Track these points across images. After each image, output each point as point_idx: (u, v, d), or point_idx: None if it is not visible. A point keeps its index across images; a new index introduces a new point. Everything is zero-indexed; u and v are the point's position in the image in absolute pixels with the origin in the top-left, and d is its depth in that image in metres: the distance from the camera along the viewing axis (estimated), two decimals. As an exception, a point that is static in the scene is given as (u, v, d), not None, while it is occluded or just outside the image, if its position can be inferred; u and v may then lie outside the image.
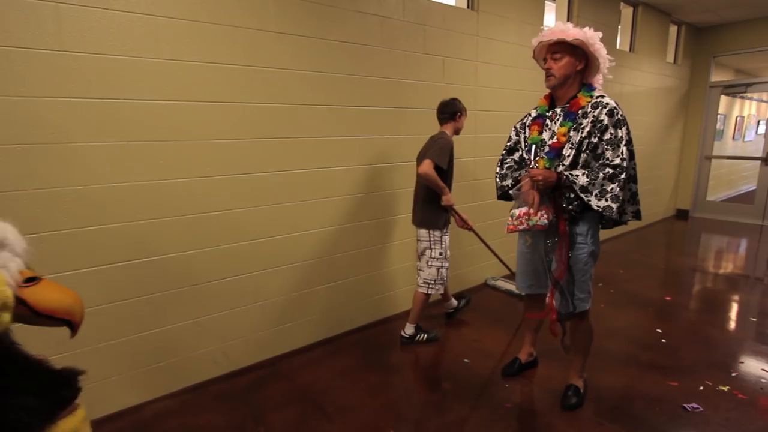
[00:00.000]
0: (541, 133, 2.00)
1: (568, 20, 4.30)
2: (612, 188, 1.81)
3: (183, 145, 2.12)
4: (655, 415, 2.06)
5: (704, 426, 1.98)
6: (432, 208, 2.62)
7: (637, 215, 1.98)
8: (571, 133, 1.88)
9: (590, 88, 1.94)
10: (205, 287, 2.29)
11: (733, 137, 8.41)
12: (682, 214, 6.84)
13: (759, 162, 6.26)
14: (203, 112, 2.16)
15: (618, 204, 1.82)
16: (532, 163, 2.00)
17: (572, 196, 1.87)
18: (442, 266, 2.67)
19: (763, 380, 2.33)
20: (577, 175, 1.84)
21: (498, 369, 2.47)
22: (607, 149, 1.83)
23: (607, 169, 1.81)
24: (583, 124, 1.86)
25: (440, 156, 2.50)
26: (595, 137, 1.84)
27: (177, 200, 2.14)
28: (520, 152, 2.14)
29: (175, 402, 2.21)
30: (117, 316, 2.04)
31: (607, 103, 1.86)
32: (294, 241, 2.59)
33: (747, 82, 6.46)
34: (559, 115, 1.95)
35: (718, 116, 6.77)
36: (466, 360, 2.58)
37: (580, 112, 1.88)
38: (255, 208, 2.41)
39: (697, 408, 2.09)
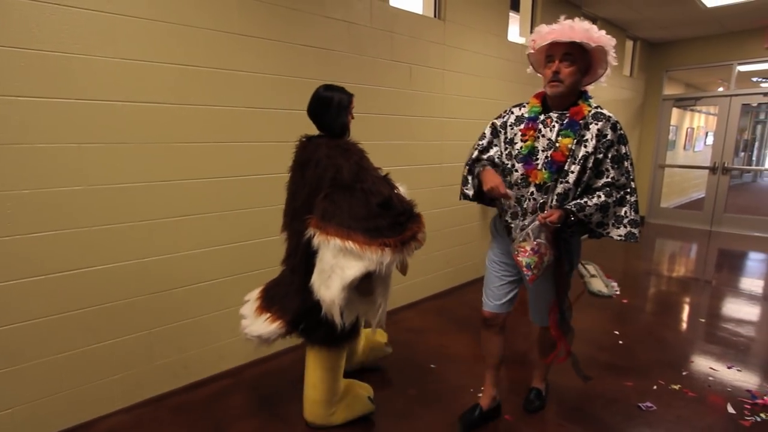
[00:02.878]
0: (534, 139, 1.73)
1: (531, 33, 4.45)
2: (626, 212, 1.69)
3: (140, 147, 2.04)
4: (612, 414, 2.13)
5: (657, 424, 2.06)
6: None
7: (630, 235, 1.72)
8: (573, 146, 1.65)
9: (587, 95, 1.74)
10: (164, 295, 2.21)
11: (684, 147, 8.90)
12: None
13: (707, 171, 6.65)
14: (162, 114, 2.09)
15: (639, 228, 1.70)
16: (519, 172, 1.74)
17: (572, 219, 1.65)
18: None
19: (711, 378, 2.45)
20: (591, 213, 1.65)
21: (464, 373, 2.49)
22: (611, 168, 1.66)
23: (615, 192, 1.67)
24: (586, 137, 1.65)
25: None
26: (600, 153, 1.65)
27: (133, 205, 2.06)
28: (494, 153, 1.85)
29: (130, 417, 2.11)
30: (67, 327, 1.93)
31: (609, 116, 1.67)
32: (259, 248, 2.54)
33: (696, 96, 6.86)
34: (555, 121, 1.70)
35: (671, 127, 7.15)
36: (432, 365, 2.59)
37: (582, 122, 1.66)
38: (217, 214, 2.35)
39: (651, 407, 2.18)
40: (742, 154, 12.19)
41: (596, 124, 1.65)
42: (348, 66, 2.80)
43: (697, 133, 9.52)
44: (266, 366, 2.58)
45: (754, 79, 8.66)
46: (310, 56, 2.59)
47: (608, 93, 5.87)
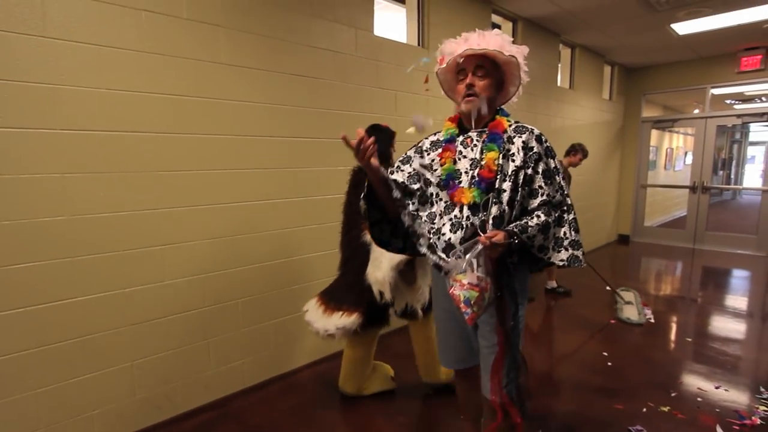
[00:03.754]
0: (455, 161, 1.56)
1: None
2: (566, 233, 1.51)
3: (125, 176, 2.04)
4: (604, 439, 2.12)
5: (648, 447, 2.05)
6: None
7: (574, 259, 1.51)
8: (501, 161, 1.48)
9: (505, 111, 1.60)
10: (147, 326, 2.16)
11: (665, 167, 9.12)
12: (623, 239, 7.26)
13: (688, 190, 6.81)
14: (148, 143, 2.09)
15: (582, 249, 1.51)
16: (444, 199, 1.54)
17: (515, 242, 1.43)
18: None
19: (699, 399, 2.46)
20: (533, 235, 1.44)
21: (454, 399, 2.46)
22: (544, 184, 1.49)
23: (552, 211, 1.49)
24: (512, 151, 1.49)
25: None
26: (529, 168, 1.48)
27: (117, 234, 2.03)
28: (412, 184, 1.62)
29: (109, 454, 2.03)
30: (45, 361, 1.88)
31: (532, 129, 1.53)
32: (245, 275, 2.51)
33: (673, 118, 7.09)
34: (476, 140, 1.53)
35: (651, 148, 7.35)
36: (429, 393, 2.56)
37: (504, 135, 1.51)
38: (202, 242, 2.33)
39: (641, 430, 2.17)
40: (721, 172, 12.54)
41: (520, 136, 1.51)
42: (334, 93, 2.84)
43: (676, 153, 9.79)
44: (253, 397, 2.52)
45: (728, 101, 9.00)
46: (296, 84, 2.63)
47: (588, 116, 6.03)
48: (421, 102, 3.47)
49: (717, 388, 2.57)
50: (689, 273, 5.48)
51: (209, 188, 2.33)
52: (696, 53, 6.05)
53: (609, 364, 2.89)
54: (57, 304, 1.89)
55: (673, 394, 2.50)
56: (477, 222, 1.48)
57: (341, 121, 2.90)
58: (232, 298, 2.47)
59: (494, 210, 1.47)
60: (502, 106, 1.62)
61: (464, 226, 1.50)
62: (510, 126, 1.54)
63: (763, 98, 8.84)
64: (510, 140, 1.51)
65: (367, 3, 3.01)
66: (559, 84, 5.40)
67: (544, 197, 1.49)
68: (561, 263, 1.50)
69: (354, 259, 2.27)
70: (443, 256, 1.51)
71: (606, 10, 4.31)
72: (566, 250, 1.51)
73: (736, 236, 6.53)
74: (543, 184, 1.49)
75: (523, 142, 1.50)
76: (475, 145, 1.54)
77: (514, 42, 1.52)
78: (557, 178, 1.53)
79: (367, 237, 2.12)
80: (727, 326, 3.59)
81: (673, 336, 3.42)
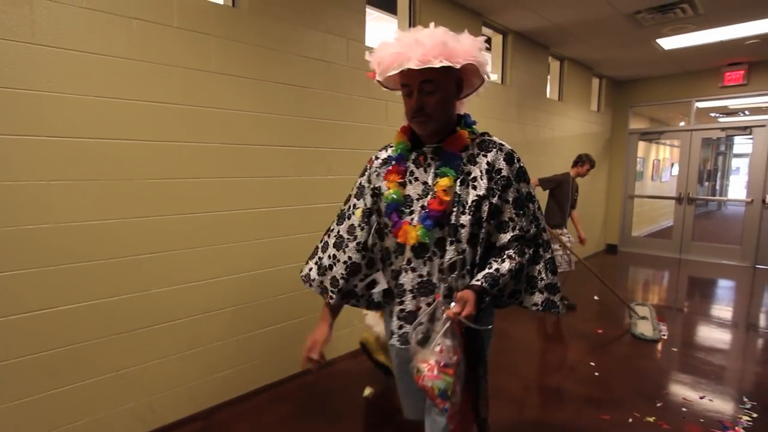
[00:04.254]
0: (403, 185, 1.27)
1: (502, 72, 4.65)
2: (540, 272, 1.27)
3: (112, 184, 2.02)
4: (590, 449, 2.12)
5: (634, 458, 2.06)
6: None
7: (550, 304, 1.29)
8: (458, 189, 1.20)
9: (470, 120, 1.32)
10: (132, 335, 2.13)
11: (652, 178, 9.27)
12: (611, 249, 7.34)
13: (674, 201, 6.92)
14: (136, 151, 2.08)
15: (559, 294, 1.29)
16: (391, 228, 1.28)
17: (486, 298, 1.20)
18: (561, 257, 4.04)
19: (684, 409, 2.48)
20: (505, 284, 1.20)
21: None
22: (516, 215, 1.23)
23: (527, 249, 1.24)
24: (474, 174, 1.21)
25: (545, 180, 4.14)
26: (494, 196, 1.20)
27: (103, 243, 2.01)
28: (361, 223, 1.36)
29: (91, 467, 1.99)
30: (27, 371, 1.84)
31: (501, 144, 1.27)
32: (233, 284, 2.49)
33: (659, 130, 7.22)
34: (430, 158, 1.26)
35: (638, 159, 7.47)
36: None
37: (464, 155, 1.24)
38: (191, 250, 2.31)
39: (628, 440, 2.18)
40: (707, 183, 12.76)
41: (485, 155, 1.22)
42: (325, 103, 2.86)
43: (663, 164, 9.96)
44: (238, 407, 2.49)
45: (713, 114, 9.19)
46: (287, 94, 2.64)
47: (577, 127, 6.12)
48: (412, 112, 3.49)
49: (702, 398, 2.60)
50: (676, 283, 5.55)
51: (198, 197, 2.31)
52: (681, 68, 6.19)
53: (596, 374, 2.91)
54: (40, 313, 1.86)
55: (658, 405, 2.52)
56: (424, 274, 1.21)
57: (332, 130, 2.91)
58: (219, 307, 2.45)
59: (450, 252, 1.19)
60: (465, 111, 1.33)
61: (408, 274, 1.24)
62: (474, 140, 1.26)
63: (746, 112, 9.04)
64: (472, 160, 1.23)
65: (358, 14, 3.04)
66: (548, 95, 5.48)
67: (516, 231, 1.22)
68: (535, 308, 1.27)
69: None
70: (401, 327, 1.23)
71: (593, 24, 4.40)
72: (540, 293, 1.27)
73: (721, 247, 6.63)
74: (514, 216, 1.22)
75: (489, 163, 1.22)
76: (429, 165, 1.25)
77: (486, 43, 1.24)
78: (531, 206, 1.27)
79: None
80: (713, 336, 3.63)
81: (659, 345, 3.45)
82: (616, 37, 4.81)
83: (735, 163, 14.66)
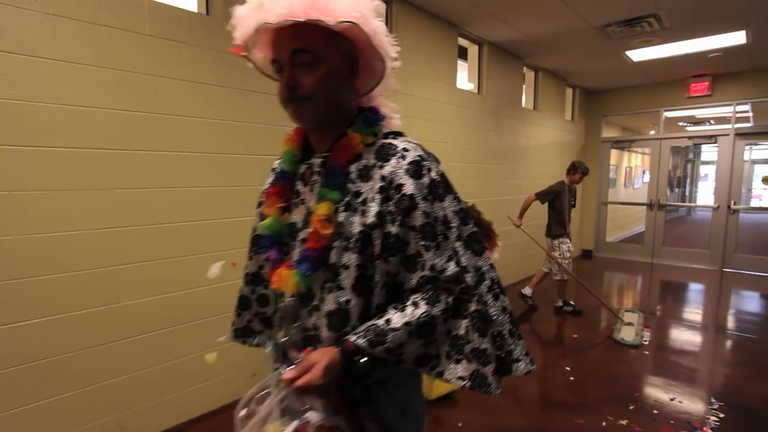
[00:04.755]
0: (287, 210, 0.98)
1: (479, 81, 4.74)
2: (468, 330, 0.87)
3: (79, 194, 1.96)
4: (565, 454, 2.15)
5: (608, 461, 2.10)
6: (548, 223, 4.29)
7: (504, 368, 0.89)
8: (341, 217, 0.88)
9: (373, 115, 0.95)
10: (102, 350, 2.07)
11: (624, 185, 9.53)
12: (587, 254, 7.50)
13: (646, 207, 7.13)
14: (104, 160, 2.03)
15: (493, 364, 0.86)
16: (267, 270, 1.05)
17: (361, 361, 0.83)
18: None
19: (655, 411, 2.54)
20: (400, 344, 0.83)
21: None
22: (425, 249, 0.86)
23: (443, 295, 0.86)
24: (363, 195, 0.88)
25: (542, 193, 4.26)
26: (393, 224, 0.86)
27: (70, 255, 1.95)
28: (250, 252, 1.20)
29: (55, 488, 1.91)
30: (-15, 390, 1.76)
31: (406, 150, 0.90)
32: (206, 295, 2.45)
33: (631, 139, 7.45)
34: (316, 173, 0.94)
35: (611, 167, 7.68)
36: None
37: (354, 168, 0.90)
38: (162, 261, 2.26)
39: (601, 444, 2.22)
40: (677, 190, 13.21)
41: (381, 167, 0.88)
42: (302, 111, 2.85)
43: (635, 171, 10.26)
44: (213, 422, 2.43)
45: (681, 124, 9.53)
46: (259, 102, 2.63)
47: (552, 136, 6.26)
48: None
49: (672, 400, 2.67)
50: (648, 287, 5.70)
51: (169, 206, 2.27)
52: (650, 79, 6.41)
53: (571, 378, 2.95)
54: (1, 328, 1.79)
55: (631, 407, 2.57)
56: (310, 328, 0.91)
57: (308, 138, 2.90)
58: (192, 318, 2.40)
59: (329, 302, 0.88)
60: (371, 104, 0.98)
61: (289, 328, 0.94)
62: (371, 144, 0.92)
63: (712, 121, 9.40)
64: (365, 174, 0.89)
65: (335, 23, 3.06)
66: (524, 105, 5.60)
67: (426, 272, 0.86)
68: (460, 382, 0.86)
69: None
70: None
71: (565, 36, 4.52)
72: (468, 361, 0.86)
73: (690, 251, 6.85)
74: (422, 249, 0.86)
75: (385, 177, 0.87)
76: (315, 182, 0.93)
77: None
78: (451, 235, 0.88)
79: None
80: (683, 338, 3.74)
81: (633, 350, 3.54)
82: (587, 49, 4.96)
83: (703, 170, 15.23)
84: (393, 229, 0.86)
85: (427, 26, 3.83)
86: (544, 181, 6.14)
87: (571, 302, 4.41)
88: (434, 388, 2.70)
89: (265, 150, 2.67)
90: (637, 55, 5.14)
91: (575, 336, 3.75)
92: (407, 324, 0.83)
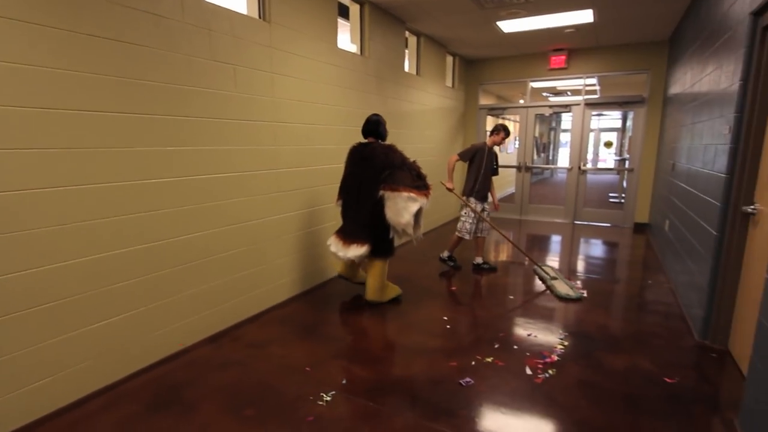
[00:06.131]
0: None
1: (361, 43, 4.66)
2: None
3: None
4: (439, 394, 2.33)
5: (474, 395, 2.33)
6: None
7: None
8: None
9: None
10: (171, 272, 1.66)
11: (500, 150, 10.39)
12: (467, 215, 8.11)
13: (515, 170, 7.87)
14: None
15: None
16: None
17: None
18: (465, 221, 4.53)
19: (515, 347, 2.88)
20: None
21: (303, 382, 2.45)
22: None
23: None
24: None
25: (463, 152, 4.53)
26: None
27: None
28: None
29: None
30: None
31: None
32: (39, 277, 2.10)
33: (503, 106, 8.07)
34: None
35: (487, 133, 8.28)
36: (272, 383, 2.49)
37: None
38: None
39: (470, 381, 2.45)
40: (543, 154, 14.86)
41: None
42: (159, 64, 2.51)
43: (509, 137, 11.23)
44: (68, 418, 2.15)
45: (544, 94, 10.58)
46: (107, 49, 2.25)
47: (434, 101, 6.50)
48: (266, 80, 3.30)
49: (529, 335, 3.04)
50: (518, 240, 6.38)
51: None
52: (518, 50, 6.94)
53: (448, 327, 3.20)
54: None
55: (496, 346, 2.88)
56: None
57: (169, 95, 2.59)
58: (22, 307, 2.05)
59: None
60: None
61: None
62: None
63: (569, 93, 10.58)
64: None
65: (194, -36, 2.71)
66: (407, 70, 5.68)
67: None
68: None
69: (369, 207, 3.29)
70: None
71: (442, 1, 4.63)
72: None
73: (551, 207, 7.80)
74: None
75: None
76: None
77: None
78: None
79: (386, 195, 3.24)
80: (542, 283, 4.27)
81: (499, 296, 3.94)
82: (463, 16, 5.15)
83: (564, 137, 17.30)
84: None
85: (303, -22, 3.61)
86: (429, 145, 6.41)
87: (455, 258, 4.76)
88: (387, 293, 3.57)
89: (113, 107, 2.31)
90: (506, 26, 5.50)
91: (453, 289, 4.05)
92: None
